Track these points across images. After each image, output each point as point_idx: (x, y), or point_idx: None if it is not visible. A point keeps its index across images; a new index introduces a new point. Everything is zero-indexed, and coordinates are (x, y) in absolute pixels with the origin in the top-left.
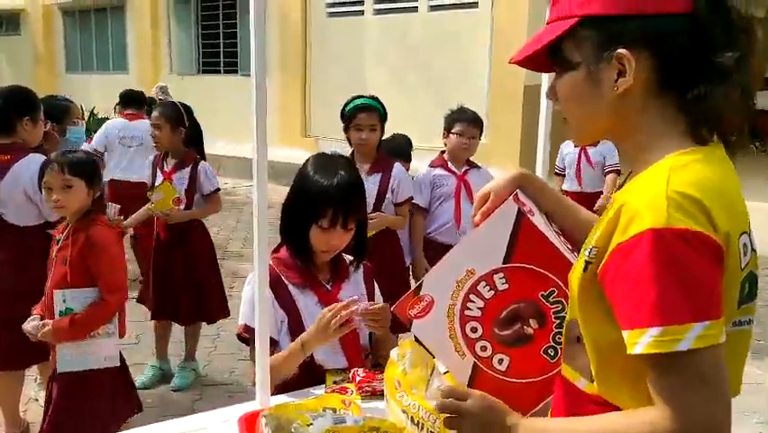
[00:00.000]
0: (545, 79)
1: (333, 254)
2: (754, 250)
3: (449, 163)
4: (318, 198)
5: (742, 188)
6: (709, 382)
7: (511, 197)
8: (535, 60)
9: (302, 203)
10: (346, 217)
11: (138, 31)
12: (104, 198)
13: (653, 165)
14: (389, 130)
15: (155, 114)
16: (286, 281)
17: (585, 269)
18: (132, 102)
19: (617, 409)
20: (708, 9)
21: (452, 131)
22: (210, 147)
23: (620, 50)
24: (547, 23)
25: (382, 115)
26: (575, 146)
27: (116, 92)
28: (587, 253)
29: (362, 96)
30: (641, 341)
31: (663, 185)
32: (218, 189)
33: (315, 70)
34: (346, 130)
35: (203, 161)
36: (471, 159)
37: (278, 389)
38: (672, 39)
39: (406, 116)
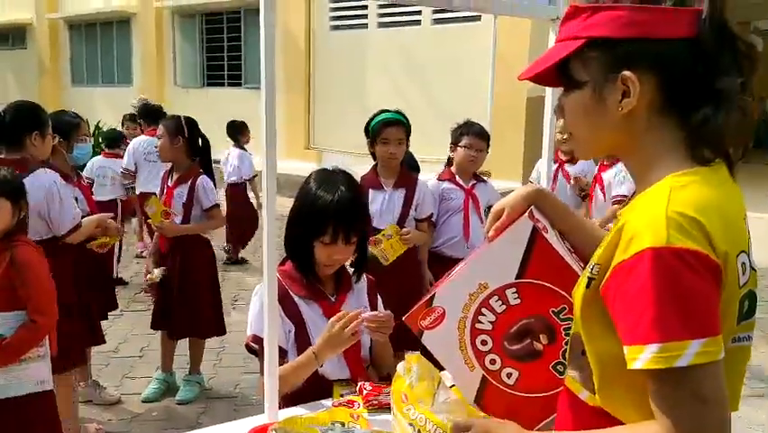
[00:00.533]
0: (549, 93)
1: (336, 268)
2: (753, 269)
3: (456, 177)
4: (320, 214)
5: (747, 201)
6: (707, 398)
7: (526, 213)
8: (544, 77)
9: (305, 219)
10: (348, 233)
11: (143, 44)
12: (27, 218)
13: (654, 185)
14: None
15: (160, 127)
16: (291, 293)
17: (588, 285)
18: (152, 116)
19: (619, 421)
20: (712, 35)
21: (460, 144)
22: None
23: (625, 73)
24: (557, 41)
25: (408, 129)
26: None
27: (121, 105)
28: (590, 270)
29: (387, 111)
30: (641, 357)
31: (663, 205)
32: (217, 205)
33: (318, 83)
34: (372, 145)
35: (203, 176)
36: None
37: (284, 401)
38: (676, 63)
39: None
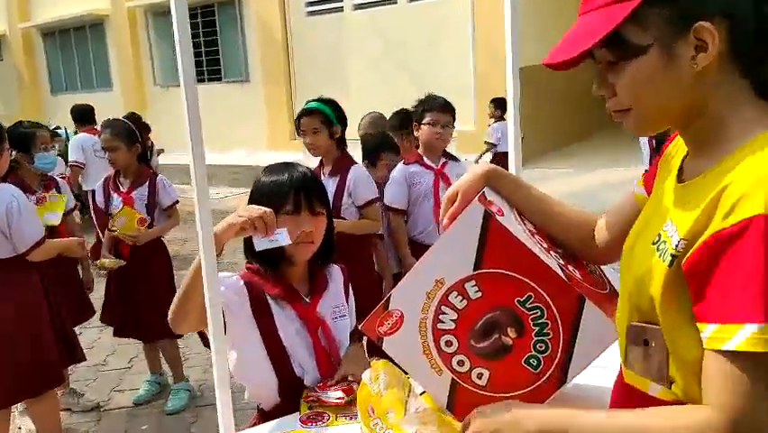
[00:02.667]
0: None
1: (309, 250)
2: None
3: (424, 158)
4: (278, 189)
5: None
6: None
7: (476, 197)
8: (574, 58)
9: (261, 202)
10: (310, 200)
11: (119, 47)
12: None
13: (744, 145)
14: None
15: (106, 136)
16: (265, 294)
17: (671, 264)
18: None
19: None
20: None
21: (423, 122)
22: None
23: (701, 24)
24: (589, 10)
25: (329, 117)
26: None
27: (103, 110)
28: (673, 246)
29: (315, 99)
30: (735, 337)
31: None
32: (177, 201)
33: (298, 71)
34: (298, 135)
35: (159, 174)
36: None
37: (261, 416)
38: (743, 5)
39: (391, 110)
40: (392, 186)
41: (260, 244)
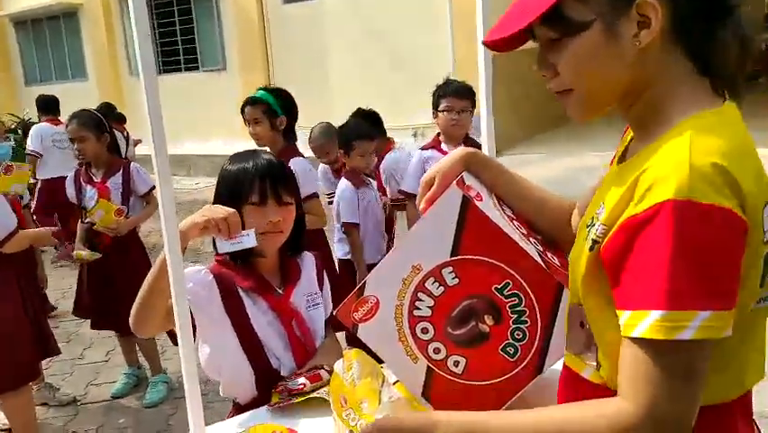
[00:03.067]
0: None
1: (277, 240)
2: None
3: (443, 144)
4: (242, 178)
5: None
6: (692, 378)
7: (455, 181)
8: (512, 37)
9: (226, 192)
10: (276, 189)
11: (93, 36)
12: None
13: (671, 129)
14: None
15: (73, 126)
16: (235, 285)
17: (591, 248)
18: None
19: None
20: None
21: (440, 108)
22: (179, 148)
23: None
24: None
25: (272, 106)
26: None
27: (79, 101)
28: (595, 231)
29: (262, 89)
30: (641, 324)
31: (686, 151)
32: (153, 188)
33: (276, 59)
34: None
35: (132, 162)
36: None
37: (237, 410)
38: None
39: (374, 96)
40: (408, 174)
41: (223, 246)
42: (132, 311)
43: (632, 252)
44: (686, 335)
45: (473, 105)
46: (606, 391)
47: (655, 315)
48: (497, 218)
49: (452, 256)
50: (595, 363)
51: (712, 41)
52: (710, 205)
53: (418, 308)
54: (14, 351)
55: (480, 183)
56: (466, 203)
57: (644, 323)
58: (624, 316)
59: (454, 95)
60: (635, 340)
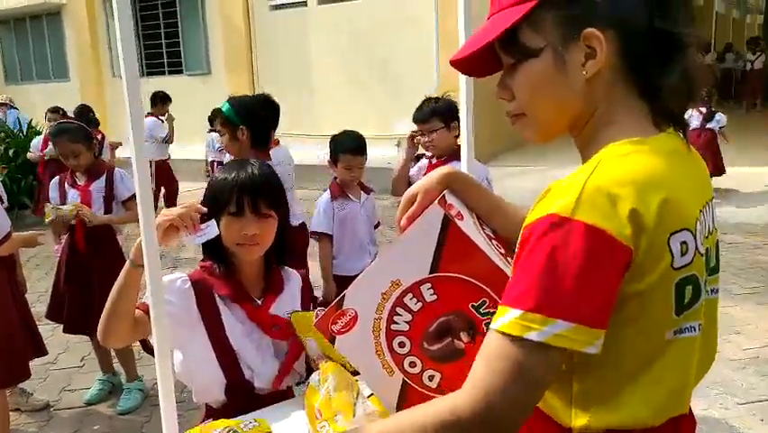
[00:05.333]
0: (463, 82)
1: (253, 252)
2: (701, 253)
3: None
4: (222, 188)
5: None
6: (529, 383)
7: (437, 200)
8: (476, 61)
9: (209, 200)
10: (255, 201)
11: (76, 37)
12: None
13: (599, 151)
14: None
15: (64, 142)
16: (214, 292)
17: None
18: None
19: (550, 421)
20: None
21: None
22: None
23: (589, 30)
24: (491, 14)
25: (229, 118)
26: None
27: (60, 102)
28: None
29: (230, 99)
30: (501, 318)
31: (586, 175)
32: (135, 195)
33: (262, 67)
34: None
35: (116, 167)
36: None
37: (209, 414)
38: (635, 17)
39: (358, 105)
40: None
41: (191, 240)
42: (100, 323)
43: (518, 257)
44: (535, 337)
45: (445, 124)
46: (541, 416)
47: (515, 312)
48: (476, 237)
49: (431, 273)
50: None
51: (661, 78)
52: (588, 225)
53: (396, 323)
54: (10, 351)
55: (461, 202)
56: (447, 222)
57: (505, 317)
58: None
59: (421, 122)
60: (493, 332)
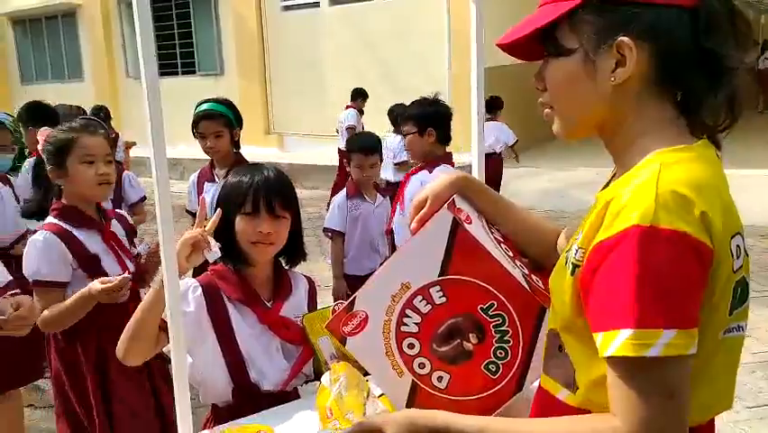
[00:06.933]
0: (474, 64)
1: (268, 252)
2: (746, 253)
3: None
4: (238, 189)
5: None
6: (672, 394)
7: (446, 204)
8: (522, 46)
9: (224, 200)
10: (270, 201)
11: (91, 37)
12: None
13: (641, 162)
14: None
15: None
16: (223, 296)
17: (572, 272)
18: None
19: None
20: (716, 5)
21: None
22: (172, 151)
23: (622, 39)
24: (540, 5)
25: (231, 120)
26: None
27: (74, 101)
28: (573, 255)
29: (209, 101)
30: (613, 343)
31: (654, 182)
32: (144, 198)
33: (273, 66)
34: (195, 137)
35: (125, 171)
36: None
37: (215, 413)
38: (676, 32)
39: (368, 106)
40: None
41: (210, 256)
42: (122, 343)
43: (600, 275)
44: (654, 352)
45: (418, 129)
46: (582, 412)
47: (625, 334)
48: (485, 241)
49: (440, 276)
50: (572, 386)
51: (706, 96)
52: (673, 230)
53: (406, 325)
54: (23, 350)
55: (471, 206)
56: (456, 225)
57: (616, 342)
58: (598, 337)
59: (405, 121)
60: (612, 359)
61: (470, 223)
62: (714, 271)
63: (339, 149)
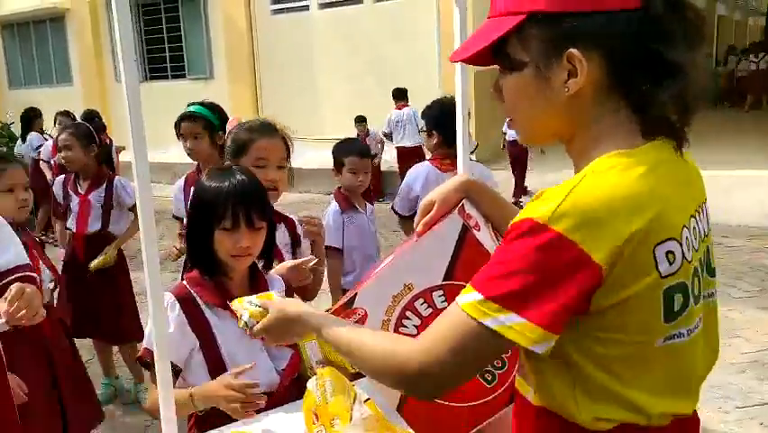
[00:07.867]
0: (459, 69)
1: (246, 262)
2: (686, 259)
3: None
4: (215, 199)
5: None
6: (469, 360)
7: (456, 209)
8: (477, 57)
9: (200, 211)
10: (249, 215)
11: (80, 41)
12: None
13: (590, 163)
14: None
15: (63, 135)
16: (200, 302)
17: None
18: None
19: (559, 417)
20: (664, 5)
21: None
22: (163, 155)
23: (571, 51)
24: (490, 17)
25: (212, 122)
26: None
27: (63, 106)
28: None
29: (195, 104)
30: (465, 296)
31: (569, 188)
32: None
33: (264, 70)
34: (178, 138)
35: (117, 176)
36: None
37: (197, 420)
38: (626, 37)
39: (360, 109)
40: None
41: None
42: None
43: (496, 251)
44: (490, 323)
45: (428, 129)
46: (542, 411)
47: (477, 296)
48: (492, 248)
49: (444, 280)
50: (533, 387)
51: (654, 95)
52: (562, 236)
53: (405, 326)
54: None
55: (478, 212)
56: (465, 231)
57: (469, 297)
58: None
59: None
60: (457, 306)
61: (479, 230)
62: (616, 283)
63: (397, 147)
